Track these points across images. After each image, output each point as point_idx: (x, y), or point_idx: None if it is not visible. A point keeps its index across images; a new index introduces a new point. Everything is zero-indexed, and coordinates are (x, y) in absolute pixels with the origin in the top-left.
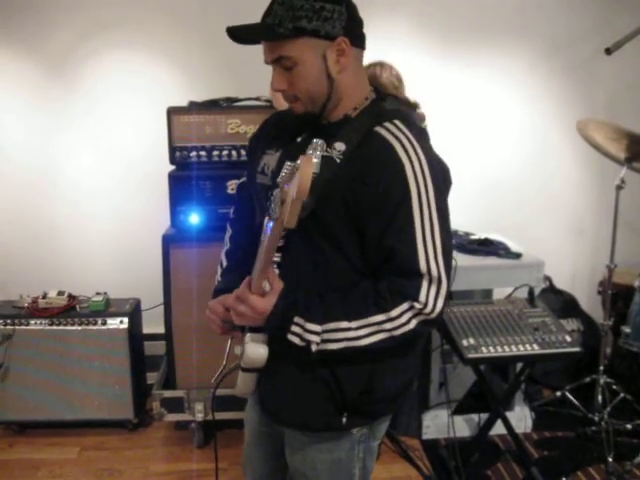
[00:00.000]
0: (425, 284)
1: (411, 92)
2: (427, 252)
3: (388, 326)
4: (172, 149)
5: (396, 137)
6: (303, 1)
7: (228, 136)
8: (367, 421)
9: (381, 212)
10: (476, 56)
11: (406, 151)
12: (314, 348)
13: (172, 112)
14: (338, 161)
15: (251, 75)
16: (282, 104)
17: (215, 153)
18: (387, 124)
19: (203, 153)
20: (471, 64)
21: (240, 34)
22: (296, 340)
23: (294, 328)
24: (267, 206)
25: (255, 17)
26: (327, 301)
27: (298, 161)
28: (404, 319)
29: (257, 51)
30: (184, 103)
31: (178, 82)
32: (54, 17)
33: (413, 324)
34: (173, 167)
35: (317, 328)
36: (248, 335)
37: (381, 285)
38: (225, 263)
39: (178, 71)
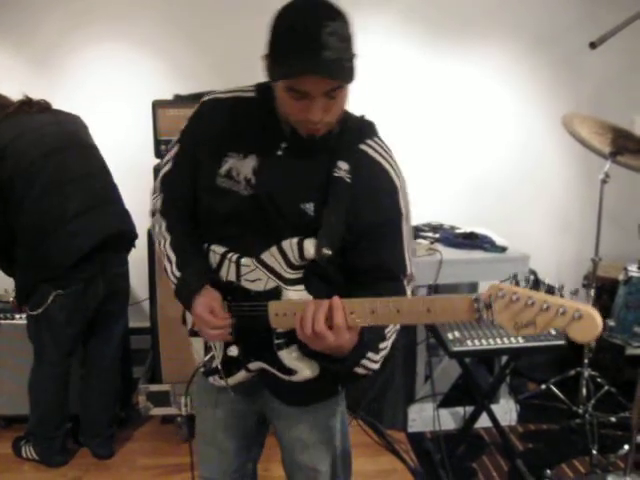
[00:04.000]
0: (406, 282)
1: (398, 84)
2: (410, 259)
3: (398, 326)
4: (157, 142)
5: (386, 159)
6: (348, 30)
7: None
8: None
9: (377, 230)
10: (462, 50)
11: (397, 174)
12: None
13: (157, 105)
14: (349, 181)
15: (236, 68)
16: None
17: None
18: (370, 142)
19: None
20: (457, 58)
21: (320, 74)
22: (361, 371)
23: (364, 362)
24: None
25: (240, 11)
26: (373, 328)
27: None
28: None
29: (242, 44)
30: (169, 96)
31: (163, 75)
32: (39, 10)
33: None
34: (159, 160)
35: (378, 357)
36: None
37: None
38: (174, 256)
39: (163, 64)
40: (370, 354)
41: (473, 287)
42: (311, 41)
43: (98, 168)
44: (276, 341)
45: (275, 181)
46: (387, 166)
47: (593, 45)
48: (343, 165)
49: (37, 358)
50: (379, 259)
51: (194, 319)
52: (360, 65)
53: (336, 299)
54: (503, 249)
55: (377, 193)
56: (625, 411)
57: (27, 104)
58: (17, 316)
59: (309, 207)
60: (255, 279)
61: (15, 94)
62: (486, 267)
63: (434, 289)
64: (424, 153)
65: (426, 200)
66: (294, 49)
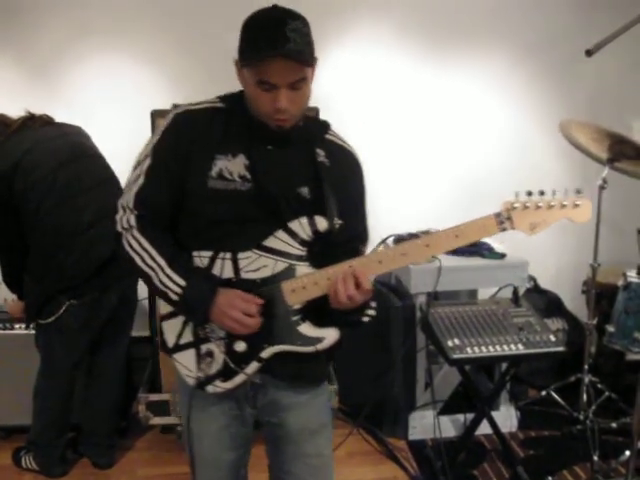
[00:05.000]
0: (365, 249)
1: (394, 93)
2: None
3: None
4: None
5: (348, 145)
6: (307, 29)
7: None
8: None
9: (353, 205)
10: (458, 58)
11: (357, 155)
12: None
13: (156, 115)
14: (328, 165)
15: (234, 78)
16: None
17: None
18: (332, 132)
19: None
20: (453, 66)
21: (286, 57)
22: (366, 319)
23: (369, 311)
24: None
25: (238, 21)
26: None
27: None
28: None
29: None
30: (168, 106)
31: (162, 85)
32: (39, 23)
33: None
34: None
35: (375, 304)
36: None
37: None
38: (169, 267)
39: (161, 74)
40: (372, 302)
41: (472, 294)
42: (278, 35)
43: (108, 177)
44: (293, 318)
45: (274, 172)
46: (352, 150)
47: (589, 52)
48: (321, 152)
49: (45, 366)
50: (355, 231)
51: (221, 318)
52: (356, 74)
53: (357, 269)
54: (502, 256)
55: (351, 173)
56: (626, 417)
57: (30, 119)
58: (16, 326)
59: (305, 190)
60: (259, 267)
61: (16, 105)
62: (485, 274)
63: (434, 296)
64: (421, 161)
65: (424, 207)
66: (264, 43)
